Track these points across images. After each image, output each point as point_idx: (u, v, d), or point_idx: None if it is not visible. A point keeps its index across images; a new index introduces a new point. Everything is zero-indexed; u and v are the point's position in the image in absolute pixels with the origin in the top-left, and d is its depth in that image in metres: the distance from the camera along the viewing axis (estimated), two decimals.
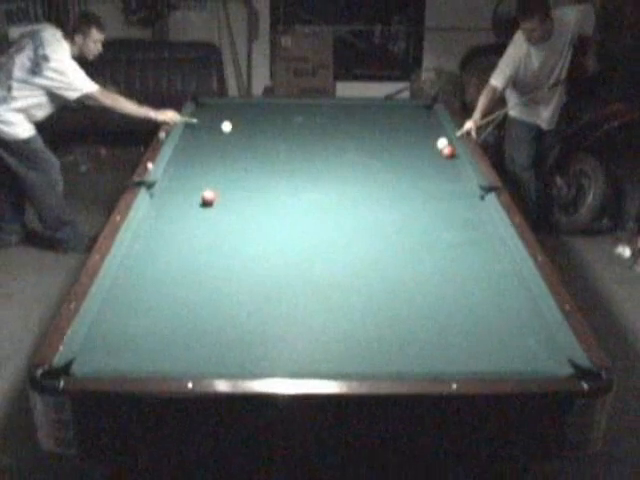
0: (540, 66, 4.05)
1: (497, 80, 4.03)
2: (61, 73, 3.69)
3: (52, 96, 3.79)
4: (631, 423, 2.93)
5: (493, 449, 1.97)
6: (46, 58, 3.66)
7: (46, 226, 4.20)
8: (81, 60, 3.82)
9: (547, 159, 4.52)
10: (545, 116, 4.27)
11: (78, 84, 3.72)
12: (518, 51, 4.01)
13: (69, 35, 3.77)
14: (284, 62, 6.44)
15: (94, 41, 3.81)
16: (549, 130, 4.34)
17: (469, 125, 3.88)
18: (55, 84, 3.71)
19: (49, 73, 3.68)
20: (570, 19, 4.00)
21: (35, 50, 3.69)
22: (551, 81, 4.12)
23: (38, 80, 3.71)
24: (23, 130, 3.83)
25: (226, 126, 3.86)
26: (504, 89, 4.11)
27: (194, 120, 3.94)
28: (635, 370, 3.26)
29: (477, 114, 3.99)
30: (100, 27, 3.82)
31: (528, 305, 2.26)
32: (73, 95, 3.74)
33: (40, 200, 4.06)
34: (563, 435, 1.88)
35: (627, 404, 2.98)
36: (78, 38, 3.77)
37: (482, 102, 4.03)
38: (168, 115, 3.92)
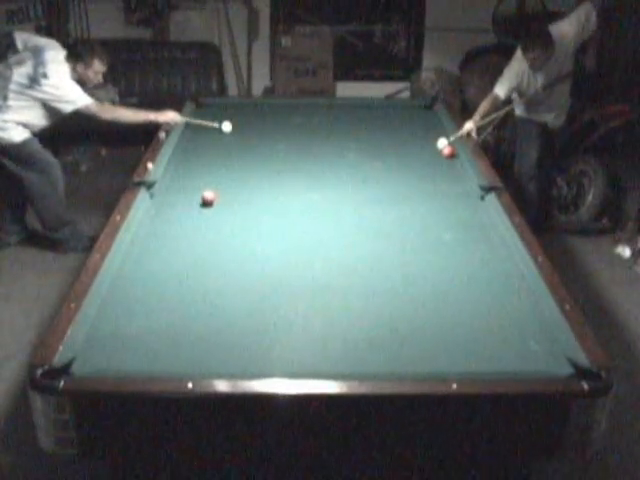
0: (543, 83, 4.06)
1: (500, 90, 4.04)
2: (57, 88, 3.69)
3: (48, 109, 3.79)
4: (631, 423, 2.93)
5: (493, 449, 1.96)
6: (45, 76, 3.67)
7: (46, 226, 4.20)
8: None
9: (548, 159, 4.52)
10: (549, 117, 4.27)
11: (73, 97, 3.72)
12: (521, 67, 4.02)
13: (71, 60, 3.76)
14: (284, 62, 6.44)
15: (95, 72, 3.82)
16: (554, 129, 4.33)
17: (469, 126, 3.88)
18: (50, 97, 3.71)
19: (46, 88, 3.68)
20: (569, 32, 4.00)
21: (35, 68, 3.69)
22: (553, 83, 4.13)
23: (34, 93, 3.71)
24: (17, 134, 3.82)
25: (226, 126, 3.86)
26: (506, 99, 4.11)
27: (215, 125, 3.90)
28: (635, 370, 3.26)
29: (477, 116, 3.99)
30: (103, 59, 3.81)
31: (528, 305, 2.26)
32: (67, 108, 3.74)
33: (40, 201, 4.06)
34: (563, 435, 1.88)
35: (627, 404, 2.98)
36: (80, 67, 3.76)
37: (483, 106, 4.04)
38: (169, 116, 3.91)
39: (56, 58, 3.74)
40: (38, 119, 3.84)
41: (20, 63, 3.75)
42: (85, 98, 3.76)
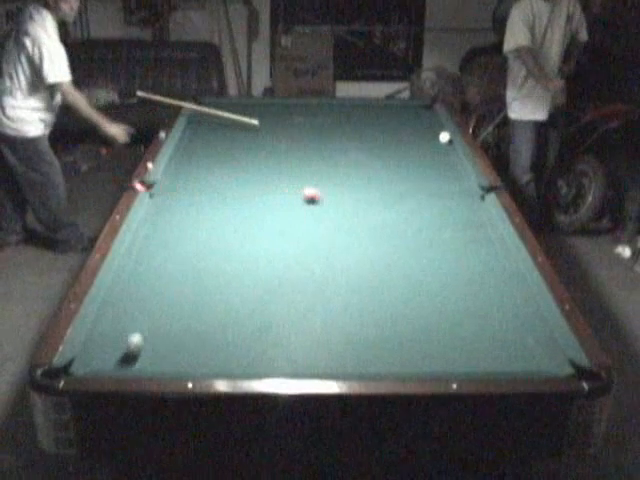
0: (548, 23, 4.06)
1: (520, 40, 4.04)
2: (40, 49, 3.60)
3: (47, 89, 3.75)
4: (631, 423, 2.93)
5: (493, 449, 1.96)
6: (27, 33, 3.60)
7: (45, 227, 4.20)
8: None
9: (548, 159, 4.52)
10: (548, 100, 4.26)
11: (57, 67, 3.64)
12: (525, 9, 4.05)
13: (47, 3, 3.66)
14: (284, 62, 6.44)
15: (67, 2, 3.71)
16: (549, 121, 4.34)
17: (559, 83, 4.02)
18: (37, 63, 3.63)
19: (31, 50, 3.61)
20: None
21: (20, 27, 3.64)
22: (555, 58, 4.19)
23: (24, 60, 3.65)
24: (33, 129, 3.82)
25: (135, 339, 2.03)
26: (530, 46, 4.09)
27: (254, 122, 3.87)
28: (635, 370, 3.26)
29: (542, 73, 4.06)
30: None
31: (528, 305, 2.26)
32: (50, 77, 3.65)
33: (39, 202, 4.05)
34: (563, 435, 1.88)
35: (627, 404, 2.98)
36: (51, 1, 3.66)
37: (531, 64, 4.06)
38: (113, 130, 3.88)
39: (35, 11, 3.63)
40: (45, 101, 3.80)
41: (9, 35, 3.72)
42: (66, 74, 3.70)
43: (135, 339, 1.99)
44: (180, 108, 4.08)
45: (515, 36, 4.06)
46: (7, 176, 4.01)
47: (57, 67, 3.67)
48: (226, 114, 3.91)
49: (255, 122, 3.87)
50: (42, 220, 4.16)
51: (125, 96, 5.73)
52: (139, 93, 3.99)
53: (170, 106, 4.04)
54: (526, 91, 4.23)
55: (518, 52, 4.10)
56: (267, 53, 6.58)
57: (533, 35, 4.07)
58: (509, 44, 4.12)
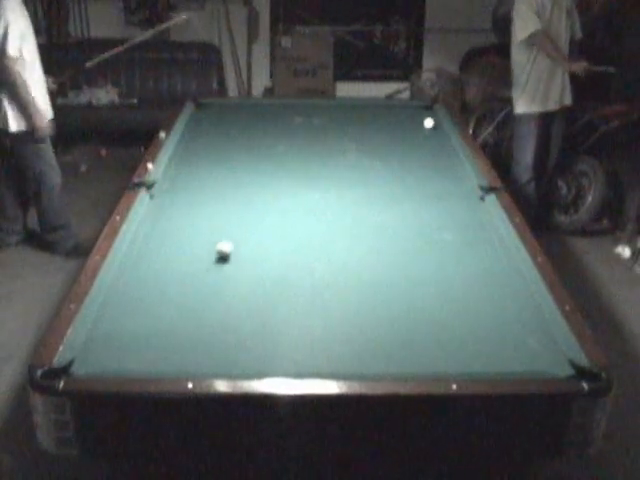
0: (551, 15, 4.08)
1: (533, 26, 4.05)
2: (6, 23, 3.58)
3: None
4: (631, 423, 2.93)
5: (493, 449, 1.97)
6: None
7: (42, 227, 4.19)
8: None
9: (550, 158, 4.52)
10: (556, 91, 4.26)
11: (17, 42, 3.61)
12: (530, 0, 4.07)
13: None
14: (284, 62, 6.44)
15: None
16: (560, 111, 4.33)
17: (582, 65, 4.00)
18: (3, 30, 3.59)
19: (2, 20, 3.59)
20: None
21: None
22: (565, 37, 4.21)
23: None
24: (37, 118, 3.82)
25: (224, 246, 2.55)
26: (544, 30, 4.08)
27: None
28: (635, 370, 3.26)
29: (562, 56, 4.07)
30: None
31: (528, 305, 2.26)
32: (8, 51, 3.62)
33: (36, 201, 4.05)
34: (563, 435, 1.88)
35: (627, 404, 2.97)
36: None
37: (549, 47, 4.06)
38: (43, 124, 3.80)
39: None
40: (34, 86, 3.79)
41: None
42: (20, 52, 3.65)
43: (225, 247, 2.49)
44: (180, 109, 4.08)
45: (527, 24, 4.06)
46: (7, 176, 4.00)
47: (14, 40, 3.61)
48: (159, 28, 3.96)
49: (184, 16, 3.87)
50: (40, 220, 4.15)
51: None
52: (88, 64, 4.01)
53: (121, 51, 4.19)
54: (532, 84, 4.21)
55: (532, 39, 4.08)
56: (267, 53, 6.58)
57: (544, 6, 4.08)
58: (521, 33, 4.10)
